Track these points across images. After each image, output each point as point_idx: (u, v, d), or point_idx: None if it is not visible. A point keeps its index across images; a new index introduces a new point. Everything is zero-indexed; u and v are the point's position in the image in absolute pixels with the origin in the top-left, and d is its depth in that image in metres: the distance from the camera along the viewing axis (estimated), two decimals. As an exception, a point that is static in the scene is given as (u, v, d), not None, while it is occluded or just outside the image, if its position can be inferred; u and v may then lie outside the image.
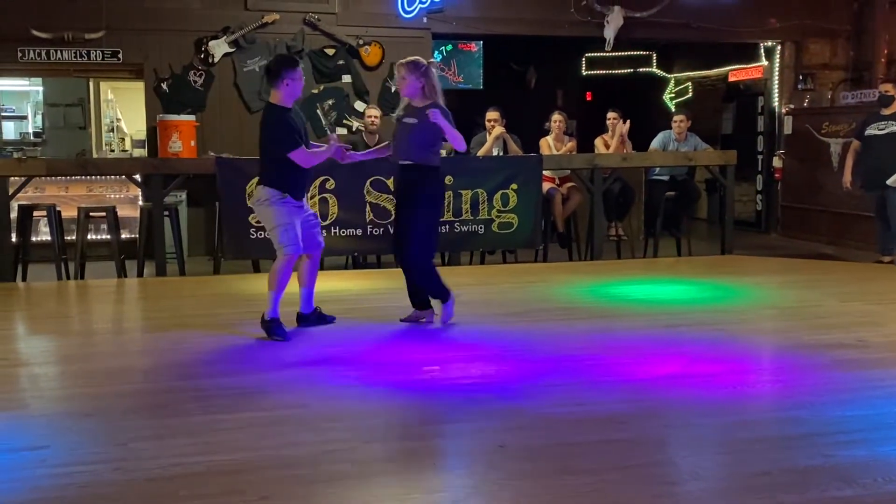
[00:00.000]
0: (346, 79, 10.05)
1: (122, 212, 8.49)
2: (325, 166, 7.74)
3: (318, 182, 7.68)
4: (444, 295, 5.55)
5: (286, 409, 3.96)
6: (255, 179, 5.71)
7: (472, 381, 4.35)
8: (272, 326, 5.17)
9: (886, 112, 8.44)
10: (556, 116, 9.03)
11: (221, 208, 7.74)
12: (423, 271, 5.51)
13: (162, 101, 9.60)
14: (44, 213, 7.90)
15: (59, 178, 8.95)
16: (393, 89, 10.14)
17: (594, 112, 12.44)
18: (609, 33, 10.43)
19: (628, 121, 9.02)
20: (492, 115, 8.59)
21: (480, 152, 8.46)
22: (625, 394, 4.11)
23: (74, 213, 8.02)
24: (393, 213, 7.80)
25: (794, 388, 4.22)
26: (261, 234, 7.42)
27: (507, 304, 6.43)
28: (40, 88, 11.41)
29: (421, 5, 10.01)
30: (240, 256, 7.90)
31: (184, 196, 9.19)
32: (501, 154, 8.58)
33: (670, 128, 9.17)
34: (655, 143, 9.19)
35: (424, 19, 10.11)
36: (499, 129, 8.51)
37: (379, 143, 8.53)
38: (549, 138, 8.97)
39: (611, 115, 9.24)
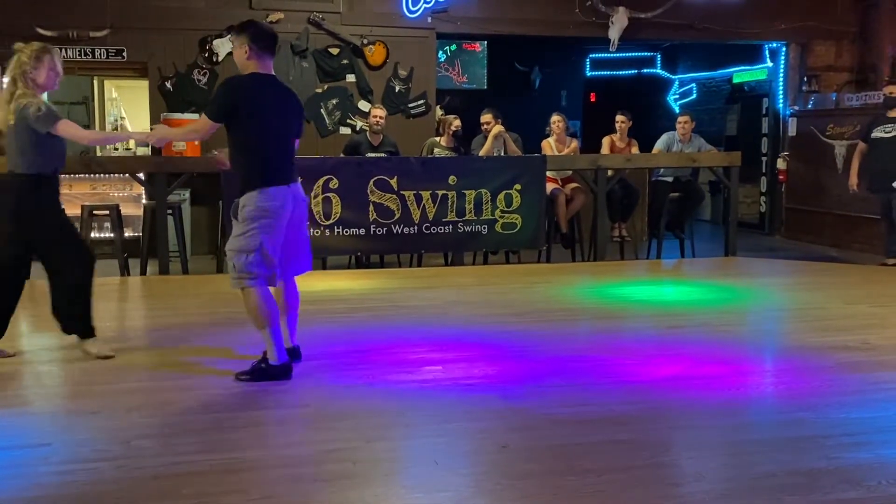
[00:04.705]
0: (351, 78, 10.06)
1: (126, 210, 8.49)
2: (329, 166, 7.83)
3: (321, 181, 7.69)
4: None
5: (289, 408, 3.97)
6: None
7: (474, 381, 4.34)
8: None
9: (892, 114, 8.43)
10: (555, 118, 8.92)
11: (225, 207, 7.73)
12: None
13: (166, 99, 9.62)
14: (47, 210, 7.87)
15: (62, 175, 8.91)
16: (397, 89, 10.14)
17: (598, 113, 12.45)
18: (613, 34, 10.42)
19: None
20: (485, 117, 8.55)
21: (481, 153, 8.43)
22: (628, 395, 4.10)
23: (78, 211, 8.01)
24: (396, 212, 7.88)
25: (798, 390, 4.20)
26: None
27: (510, 304, 6.42)
28: (45, 86, 11.40)
29: (425, 5, 10.00)
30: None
31: (187, 194, 9.19)
32: (502, 154, 8.55)
33: (674, 129, 9.16)
34: (660, 144, 9.17)
35: (429, 19, 10.10)
36: (497, 128, 8.46)
37: (383, 144, 8.57)
38: (551, 140, 8.93)
39: (619, 117, 9.11)
